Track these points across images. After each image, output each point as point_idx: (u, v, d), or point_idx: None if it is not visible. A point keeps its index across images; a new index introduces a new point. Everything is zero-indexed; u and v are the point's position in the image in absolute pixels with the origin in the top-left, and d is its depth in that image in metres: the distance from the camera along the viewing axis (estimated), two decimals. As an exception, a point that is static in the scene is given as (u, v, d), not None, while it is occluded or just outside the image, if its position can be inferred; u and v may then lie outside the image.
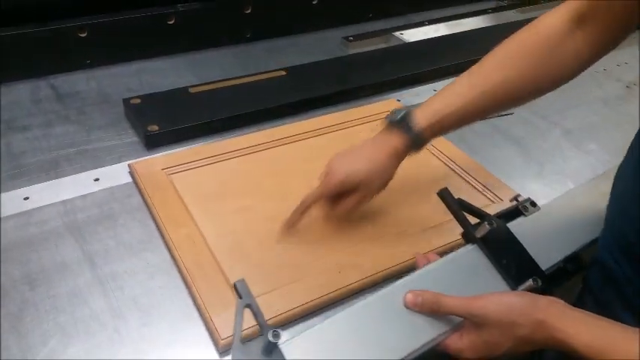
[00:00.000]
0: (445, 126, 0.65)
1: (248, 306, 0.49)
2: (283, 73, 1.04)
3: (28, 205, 0.72)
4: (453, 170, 0.85)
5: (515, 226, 0.62)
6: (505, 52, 0.64)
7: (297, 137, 0.88)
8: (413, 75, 1.09)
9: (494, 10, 1.47)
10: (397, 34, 1.26)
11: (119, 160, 0.81)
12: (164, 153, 0.83)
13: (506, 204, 0.71)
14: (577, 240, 0.64)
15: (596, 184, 0.71)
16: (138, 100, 0.90)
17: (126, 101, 0.90)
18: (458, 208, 0.61)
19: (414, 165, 0.71)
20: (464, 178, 0.83)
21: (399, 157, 0.67)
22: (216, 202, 0.74)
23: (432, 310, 0.52)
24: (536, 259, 0.59)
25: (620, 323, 0.46)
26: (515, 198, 0.66)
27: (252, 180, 0.79)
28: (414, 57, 1.15)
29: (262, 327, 0.48)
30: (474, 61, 1.15)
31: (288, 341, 0.48)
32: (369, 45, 1.23)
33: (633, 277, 0.53)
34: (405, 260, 0.67)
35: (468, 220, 0.61)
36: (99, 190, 0.75)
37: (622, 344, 0.44)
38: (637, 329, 0.45)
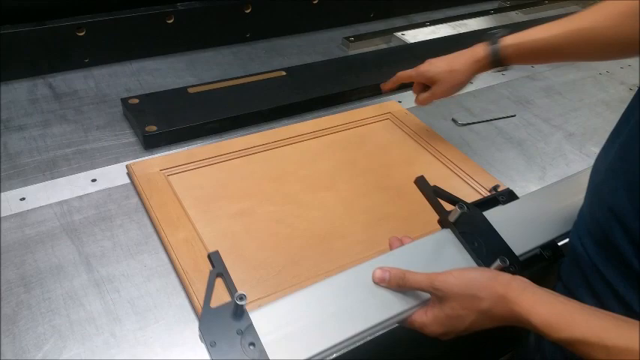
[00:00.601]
0: (527, 50, 0.70)
1: (220, 275, 0.51)
2: (283, 73, 1.03)
3: (24, 206, 0.71)
4: (454, 172, 0.84)
5: (492, 213, 0.62)
6: (608, 6, 0.63)
7: (296, 139, 0.87)
8: (414, 76, 1.08)
9: (497, 10, 1.46)
10: (398, 34, 1.25)
11: (117, 161, 0.81)
12: (162, 154, 0.82)
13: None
14: (554, 229, 0.64)
15: (578, 178, 0.71)
16: (136, 100, 0.89)
17: (124, 101, 0.89)
18: (433, 194, 0.63)
19: (418, 170, 0.70)
20: (465, 180, 0.82)
21: (477, 63, 0.76)
22: (214, 204, 0.73)
23: (399, 286, 0.53)
24: (512, 246, 0.59)
25: (579, 302, 0.46)
26: (494, 188, 0.66)
27: (251, 182, 0.78)
28: (415, 58, 1.13)
29: (231, 292, 0.49)
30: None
31: (257, 310, 0.50)
32: (370, 45, 1.22)
33: (599, 264, 0.53)
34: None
35: (442, 206, 0.62)
36: (96, 191, 0.75)
37: (579, 321, 0.44)
38: (595, 308, 0.45)
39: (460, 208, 0.60)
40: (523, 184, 0.84)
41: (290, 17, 1.21)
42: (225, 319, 0.49)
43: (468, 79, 0.78)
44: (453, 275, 0.51)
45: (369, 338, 0.53)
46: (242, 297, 0.48)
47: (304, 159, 0.84)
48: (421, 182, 0.65)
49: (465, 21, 1.36)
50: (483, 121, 1.00)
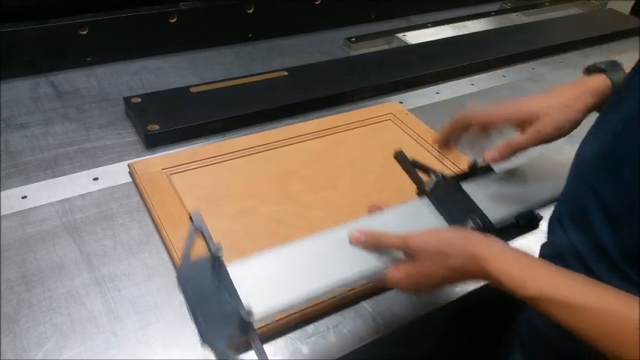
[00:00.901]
0: None
1: (199, 232, 0.52)
2: (285, 73, 1.03)
3: (26, 204, 0.71)
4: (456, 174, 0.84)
5: (469, 185, 0.64)
6: None
7: (298, 139, 0.87)
8: (416, 77, 1.08)
9: (498, 12, 1.46)
10: (400, 35, 1.25)
11: (119, 160, 0.81)
12: (164, 153, 0.82)
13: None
14: (530, 199, 0.65)
15: (557, 155, 0.72)
16: (138, 99, 0.89)
17: (126, 100, 0.89)
18: (411, 167, 0.65)
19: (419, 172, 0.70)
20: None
21: (592, 95, 0.60)
22: (215, 203, 0.73)
23: (374, 246, 0.55)
24: (487, 213, 0.60)
25: (548, 262, 0.47)
26: (473, 163, 0.67)
27: (253, 181, 0.78)
28: (416, 59, 1.14)
29: (209, 247, 0.51)
30: (477, 64, 1.16)
31: (234, 263, 0.51)
32: (371, 46, 1.23)
33: (578, 245, 0.53)
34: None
35: (420, 178, 0.64)
36: (98, 189, 0.75)
37: (545, 279, 0.45)
38: (563, 268, 0.45)
39: (436, 176, 0.62)
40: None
41: (292, 17, 1.21)
42: (203, 271, 0.50)
43: (580, 115, 0.60)
44: (425, 234, 0.52)
45: (341, 293, 0.56)
46: (218, 248, 0.50)
47: (306, 159, 0.84)
48: (400, 156, 0.67)
49: (466, 23, 1.37)
50: (485, 123, 1.00)
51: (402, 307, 0.64)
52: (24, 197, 0.72)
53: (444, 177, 0.62)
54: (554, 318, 0.43)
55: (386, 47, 1.24)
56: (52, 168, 0.78)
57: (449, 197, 0.61)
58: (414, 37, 1.24)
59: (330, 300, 0.62)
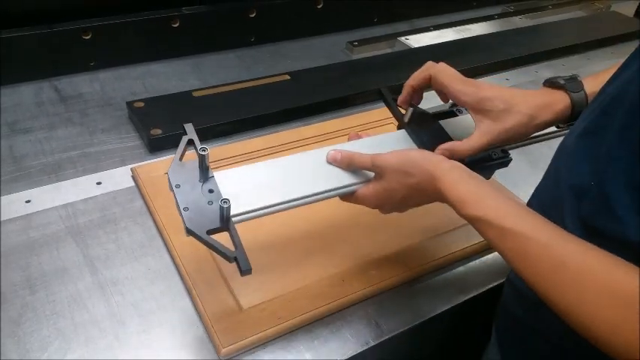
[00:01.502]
0: None
1: (190, 141, 0.57)
2: (287, 77, 1.03)
3: (30, 209, 0.71)
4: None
5: (447, 121, 0.66)
6: None
7: (300, 143, 0.87)
8: (418, 80, 1.08)
9: (501, 15, 1.46)
10: (403, 39, 1.25)
11: (122, 164, 0.81)
12: (167, 157, 0.82)
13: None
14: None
15: None
16: (141, 104, 0.90)
17: (129, 104, 0.90)
18: (393, 101, 0.68)
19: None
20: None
21: (555, 117, 0.58)
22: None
23: (347, 165, 0.59)
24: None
25: (498, 189, 0.49)
26: (453, 104, 0.69)
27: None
28: (419, 63, 1.13)
29: (197, 149, 0.55)
30: (480, 67, 1.16)
31: (219, 170, 0.57)
32: (374, 50, 1.23)
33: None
34: (409, 269, 0.67)
35: (400, 112, 0.67)
36: (101, 193, 0.75)
37: (487, 202, 0.47)
38: (509, 197, 0.48)
39: (412, 107, 0.65)
40: (526, 189, 0.84)
41: (294, 21, 1.21)
42: (191, 171, 0.56)
43: (538, 131, 0.59)
44: (390, 154, 0.55)
45: (312, 202, 0.58)
46: (204, 149, 0.55)
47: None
48: (383, 91, 0.70)
49: (469, 26, 1.37)
50: (487, 126, 1.00)
51: (405, 311, 0.64)
52: (28, 201, 0.72)
53: (420, 109, 0.66)
54: (486, 238, 0.47)
55: (388, 51, 1.24)
56: (55, 172, 0.78)
57: (424, 128, 0.65)
58: (417, 41, 1.24)
59: (334, 302, 0.62)
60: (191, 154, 0.56)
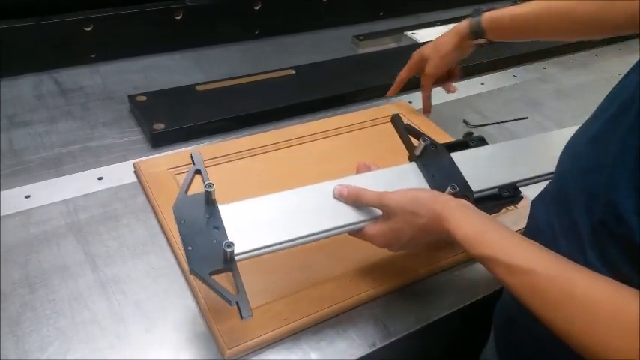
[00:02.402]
0: (506, 23, 0.75)
1: (198, 172, 0.56)
2: (292, 72, 1.01)
3: (30, 204, 0.70)
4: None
5: (459, 154, 0.65)
6: None
7: (305, 139, 0.86)
8: (424, 76, 1.06)
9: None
10: (409, 33, 1.23)
11: (123, 159, 0.79)
12: (169, 152, 0.81)
13: (521, 211, 0.69)
14: (516, 174, 0.66)
15: (552, 136, 0.74)
16: (143, 98, 0.88)
17: (131, 98, 0.88)
18: (404, 131, 0.67)
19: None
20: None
21: (459, 35, 0.80)
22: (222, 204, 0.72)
23: (354, 201, 0.58)
24: (470, 182, 0.62)
25: (504, 226, 0.49)
26: (468, 134, 0.71)
27: (260, 182, 0.77)
28: (425, 58, 1.12)
29: (203, 179, 0.55)
30: (487, 63, 1.14)
31: (226, 204, 0.56)
32: (380, 44, 1.21)
33: (559, 232, 0.53)
34: (417, 270, 0.65)
35: (412, 142, 0.66)
36: (102, 189, 0.73)
37: (494, 240, 0.47)
38: (515, 233, 0.48)
39: (424, 141, 0.64)
40: (534, 187, 0.83)
41: (299, 15, 1.20)
42: (197, 205, 0.54)
43: (453, 50, 0.82)
44: (398, 193, 0.55)
45: (318, 239, 0.58)
46: (210, 185, 0.54)
47: (313, 159, 0.82)
48: (396, 119, 0.69)
49: (476, 21, 1.35)
50: (495, 123, 0.99)
51: (412, 313, 0.62)
52: (27, 197, 0.71)
53: (432, 143, 0.65)
54: (495, 275, 0.47)
55: (394, 46, 1.22)
56: (55, 167, 0.77)
57: (435, 163, 0.64)
58: (423, 36, 1.23)
59: (340, 303, 0.60)
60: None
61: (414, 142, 0.66)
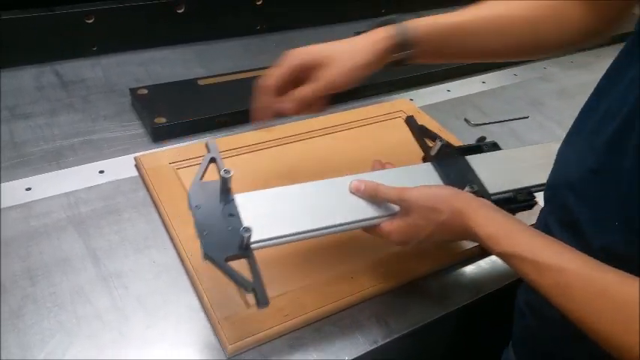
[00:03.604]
0: (439, 32, 0.59)
1: (213, 160, 0.56)
2: (294, 67, 1.01)
3: (30, 197, 0.70)
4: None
5: (473, 158, 0.66)
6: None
7: (307, 135, 0.86)
8: (427, 74, 1.06)
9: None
10: (410, 31, 1.23)
11: (125, 152, 0.79)
12: (171, 146, 0.81)
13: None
14: (531, 179, 0.66)
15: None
16: (145, 91, 0.88)
17: (133, 91, 0.88)
18: (420, 132, 0.67)
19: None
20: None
21: (376, 44, 0.57)
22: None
23: (371, 196, 0.57)
24: (486, 185, 0.62)
25: (527, 225, 0.49)
26: (481, 139, 0.70)
27: (261, 177, 0.76)
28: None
29: (219, 167, 0.55)
30: (487, 62, 1.14)
31: (241, 193, 0.55)
32: (381, 41, 1.20)
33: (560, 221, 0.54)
34: (419, 268, 0.66)
35: (427, 144, 0.66)
36: (104, 182, 0.73)
37: (519, 237, 0.47)
38: (538, 231, 0.48)
39: (440, 141, 0.64)
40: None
41: (301, 10, 1.19)
42: (212, 192, 0.54)
43: (366, 64, 0.58)
44: (419, 189, 0.54)
45: (333, 233, 0.57)
46: (227, 172, 0.53)
47: (315, 155, 0.82)
48: (410, 121, 0.69)
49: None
50: (496, 122, 0.99)
51: (414, 310, 0.63)
52: (28, 189, 0.71)
53: (448, 144, 0.65)
54: (521, 274, 0.46)
55: (396, 42, 1.22)
56: (56, 159, 0.76)
57: (451, 164, 0.64)
58: (425, 33, 1.22)
59: (342, 300, 0.60)
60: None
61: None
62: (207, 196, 0.54)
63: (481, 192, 0.60)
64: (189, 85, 0.92)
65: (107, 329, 0.56)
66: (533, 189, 0.65)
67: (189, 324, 0.58)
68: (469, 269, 0.69)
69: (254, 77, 0.95)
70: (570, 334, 0.49)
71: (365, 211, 0.57)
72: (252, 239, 0.51)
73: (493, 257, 0.71)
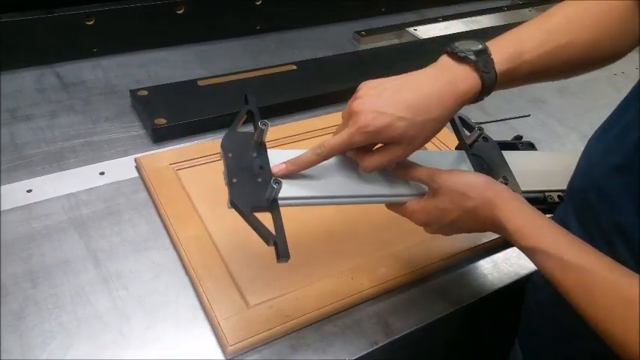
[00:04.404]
0: (518, 75, 0.53)
1: (250, 112, 0.56)
2: (294, 67, 1.01)
3: (31, 198, 0.70)
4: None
5: (508, 154, 0.65)
6: (575, 13, 0.56)
7: (308, 135, 0.85)
8: (427, 73, 1.06)
9: (510, 7, 1.44)
10: (411, 29, 1.23)
11: (125, 154, 0.79)
12: (171, 147, 0.81)
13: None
14: (563, 183, 0.63)
15: None
16: (145, 92, 0.88)
17: (133, 93, 0.88)
18: (456, 120, 0.65)
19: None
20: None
21: (462, 103, 0.51)
22: (224, 200, 0.71)
23: (403, 173, 0.56)
24: (519, 182, 0.61)
25: (555, 223, 0.48)
26: (517, 137, 0.69)
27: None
28: (427, 54, 1.11)
29: (255, 123, 0.54)
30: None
31: (274, 149, 0.55)
32: (381, 40, 1.20)
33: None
34: (420, 267, 0.66)
35: (462, 131, 0.65)
36: (104, 184, 0.73)
37: (547, 234, 0.47)
38: (567, 231, 0.47)
39: (479, 130, 0.62)
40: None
41: (300, 10, 1.19)
42: (246, 142, 0.54)
43: (444, 123, 0.52)
44: (451, 173, 0.53)
45: (360, 203, 0.57)
46: (265, 124, 0.52)
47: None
48: None
49: (478, 17, 1.34)
50: (497, 121, 0.99)
51: (415, 311, 0.63)
52: (29, 191, 0.71)
53: (485, 136, 0.63)
54: (544, 270, 0.46)
55: (396, 41, 1.22)
56: (57, 161, 0.76)
57: (485, 155, 0.63)
58: (425, 32, 1.22)
59: (342, 300, 0.60)
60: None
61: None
62: (241, 146, 0.53)
63: (513, 186, 0.59)
64: (189, 85, 0.92)
65: (107, 330, 0.56)
66: (563, 193, 0.64)
67: (189, 324, 0.58)
68: (469, 269, 0.69)
69: (253, 78, 0.96)
70: (574, 334, 0.49)
71: (393, 186, 0.56)
72: (280, 195, 0.50)
73: (494, 256, 0.71)
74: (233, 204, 0.50)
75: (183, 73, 0.98)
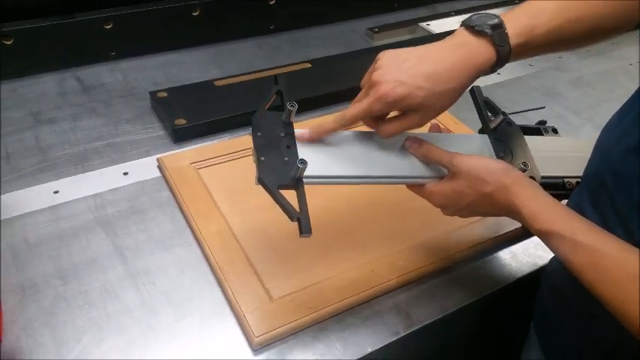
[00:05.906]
0: (530, 48, 0.55)
1: (279, 92, 0.57)
2: (308, 65, 1.02)
3: (58, 199, 0.72)
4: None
5: (531, 139, 0.65)
6: None
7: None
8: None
9: (523, 0, 1.43)
10: (423, 24, 1.23)
11: (147, 154, 0.81)
12: (191, 147, 0.82)
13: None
14: (582, 168, 0.63)
15: None
16: (164, 94, 0.90)
17: (152, 94, 0.90)
18: (482, 103, 0.66)
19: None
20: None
21: (478, 75, 0.54)
22: (244, 197, 0.73)
23: (423, 155, 0.57)
24: (539, 166, 0.62)
25: (569, 208, 0.50)
26: (541, 122, 0.69)
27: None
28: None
29: (284, 100, 0.56)
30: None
31: (301, 129, 0.56)
32: (394, 36, 1.21)
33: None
34: (440, 259, 0.66)
35: (487, 115, 0.65)
36: (128, 184, 0.75)
37: (561, 217, 0.48)
38: (580, 215, 0.48)
39: (503, 115, 0.62)
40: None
41: (313, 8, 1.20)
42: (275, 122, 0.56)
43: (458, 97, 0.55)
44: (470, 157, 0.54)
45: (382, 184, 0.59)
46: (293, 104, 0.54)
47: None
48: (476, 90, 0.66)
49: (491, 11, 1.33)
50: (512, 113, 0.99)
51: (435, 302, 0.63)
52: (56, 192, 0.73)
53: (509, 120, 0.64)
54: (557, 251, 0.48)
55: (409, 37, 1.22)
56: (82, 163, 0.78)
57: (508, 140, 0.63)
58: (438, 26, 1.23)
59: (363, 292, 0.62)
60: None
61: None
62: (269, 126, 0.55)
63: (532, 172, 0.60)
64: (207, 86, 0.93)
65: (137, 324, 0.58)
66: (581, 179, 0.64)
67: (215, 318, 0.59)
68: (488, 261, 0.69)
69: (269, 77, 0.97)
70: (588, 317, 0.50)
71: (414, 168, 0.58)
72: (306, 174, 0.52)
73: (512, 247, 0.72)
74: (260, 181, 0.52)
75: (200, 74, 1.00)
